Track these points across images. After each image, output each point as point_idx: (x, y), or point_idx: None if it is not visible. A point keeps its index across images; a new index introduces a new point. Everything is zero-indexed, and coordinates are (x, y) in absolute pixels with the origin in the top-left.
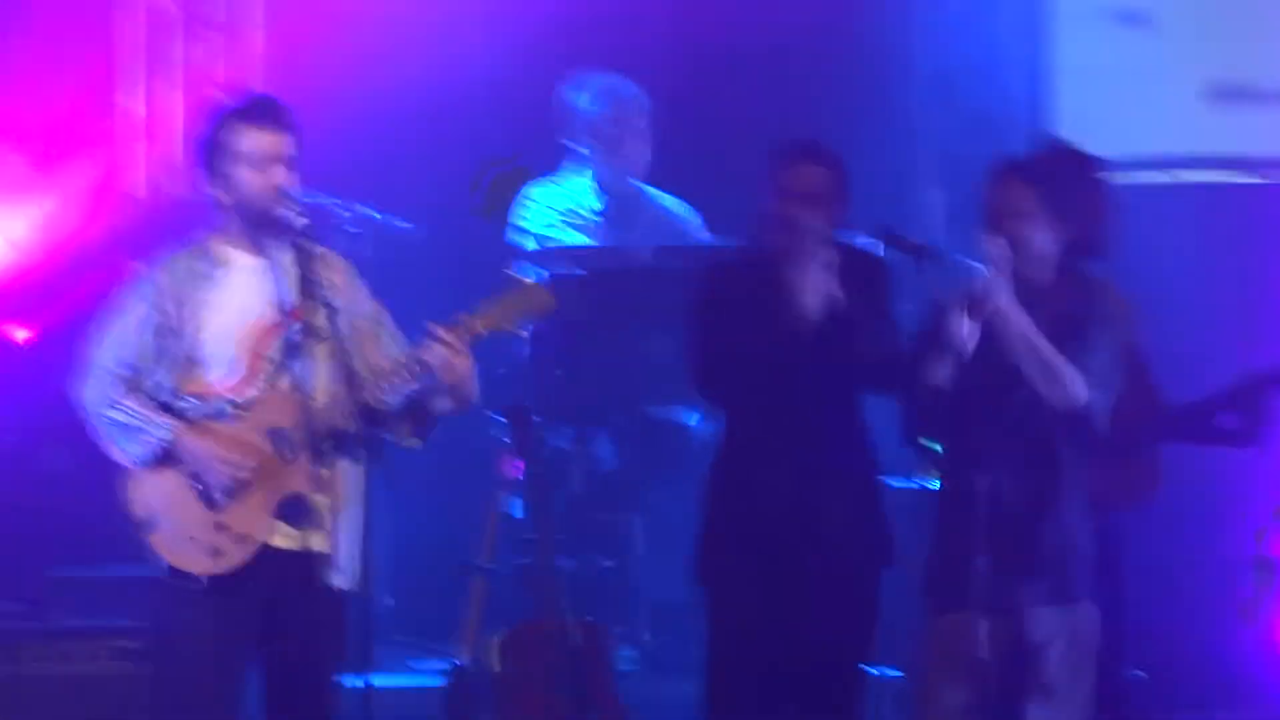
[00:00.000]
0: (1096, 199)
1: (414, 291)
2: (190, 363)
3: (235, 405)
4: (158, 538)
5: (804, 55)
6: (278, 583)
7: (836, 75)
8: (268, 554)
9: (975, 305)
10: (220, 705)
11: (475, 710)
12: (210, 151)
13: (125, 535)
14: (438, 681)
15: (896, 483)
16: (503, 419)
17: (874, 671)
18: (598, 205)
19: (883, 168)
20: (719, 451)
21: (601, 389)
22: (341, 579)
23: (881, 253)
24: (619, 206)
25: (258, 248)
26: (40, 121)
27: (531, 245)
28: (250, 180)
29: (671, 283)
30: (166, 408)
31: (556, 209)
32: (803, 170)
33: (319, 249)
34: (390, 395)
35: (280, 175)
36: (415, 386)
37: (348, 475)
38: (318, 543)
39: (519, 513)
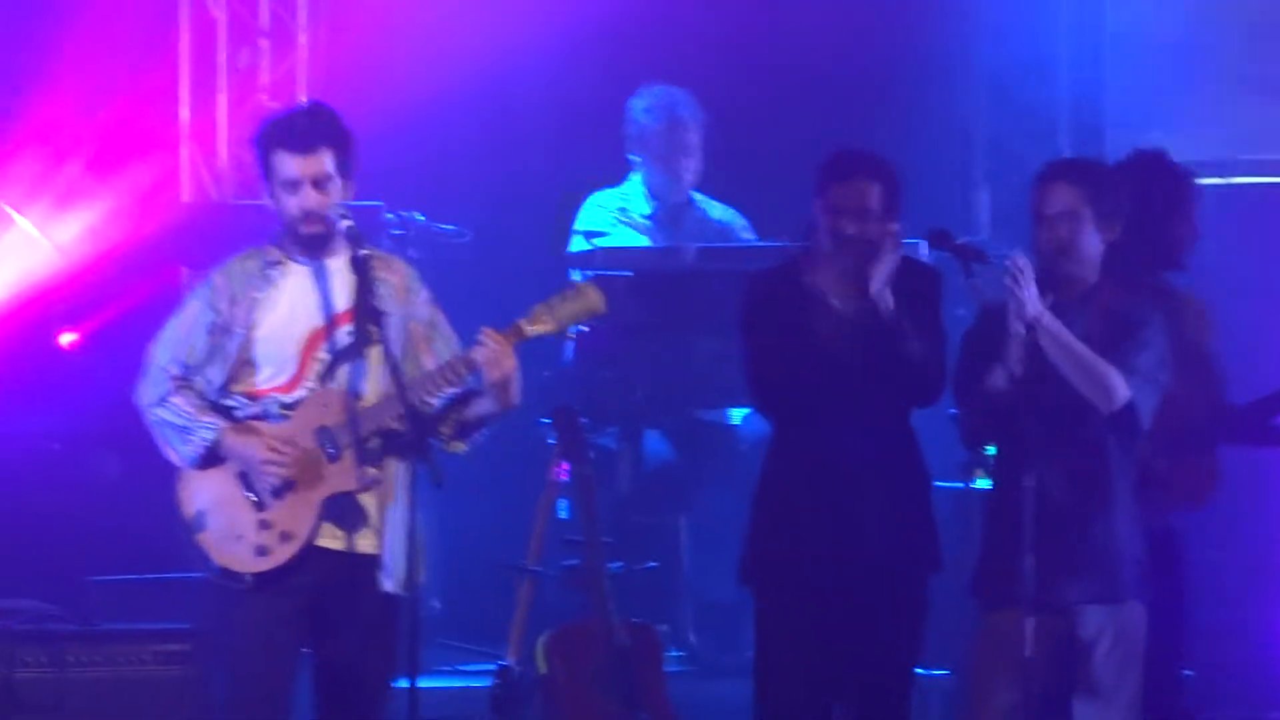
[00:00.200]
0: (1179, 212)
1: (462, 294)
2: (243, 363)
3: (284, 405)
4: (205, 536)
5: (859, 58)
6: (325, 582)
7: (890, 78)
8: (315, 553)
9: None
10: (270, 704)
11: (523, 712)
12: (261, 166)
13: (171, 540)
14: (485, 683)
15: (944, 484)
16: (549, 421)
17: (922, 671)
18: (647, 210)
19: (934, 169)
20: (769, 453)
21: (648, 390)
22: (390, 583)
23: (928, 253)
24: (667, 213)
25: (313, 253)
26: (86, 128)
27: (582, 244)
28: (283, 201)
29: (717, 284)
30: (217, 406)
31: (609, 209)
32: (855, 187)
33: (378, 252)
34: (434, 397)
35: (308, 198)
36: (459, 389)
37: (396, 476)
38: (365, 544)
39: (566, 514)
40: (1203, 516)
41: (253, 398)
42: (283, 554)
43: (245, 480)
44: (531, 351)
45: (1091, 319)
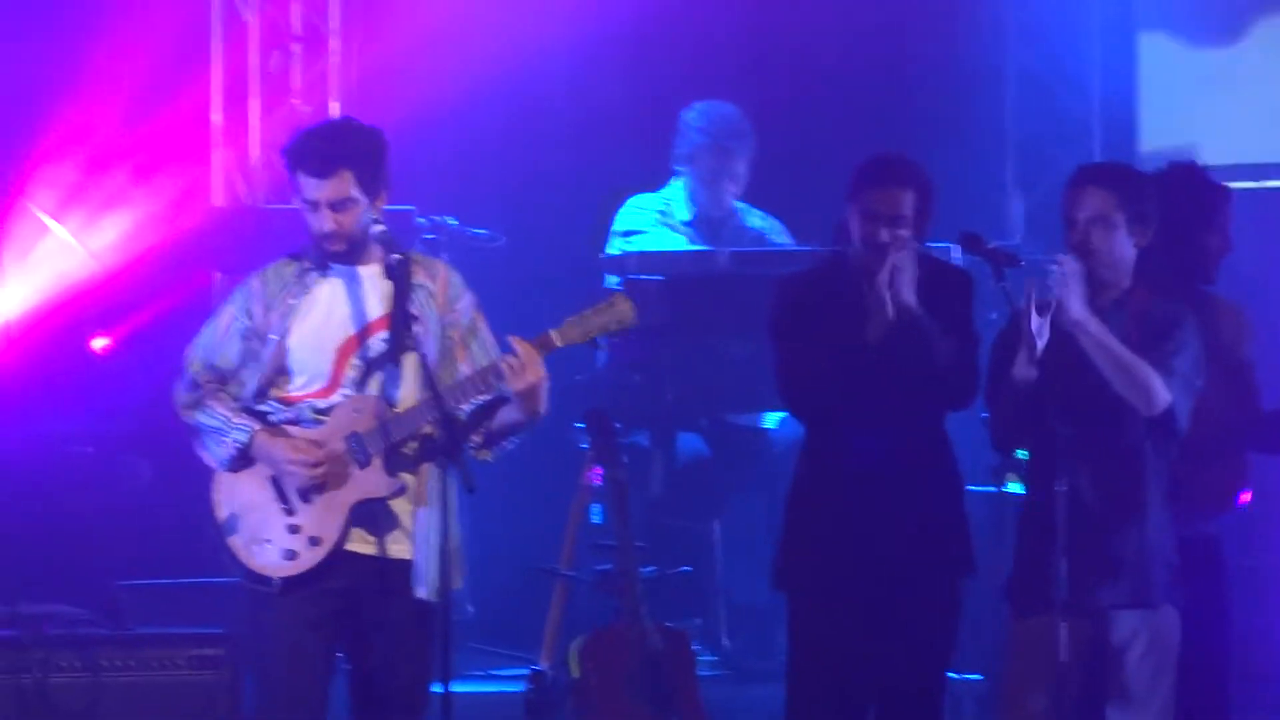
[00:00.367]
0: (1212, 224)
1: (495, 299)
2: (277, 368)
3: (317, 411)
4: (236, 540)
5: (893, 63)
6: (358, 587)
7: (923, 83)
8: (346, 558)
9: (1046, 310)
10: (302, 708)
11: (555, 716)
12: (290, 178)
13: (203, 544)
14: (518, 687)
15: (977, 488)
16: (582, 425)
17: (955, 676)
18: (687, 216)
19: (967, 173)
20: (801, 456)
21: (680, 394)
22: (423, 590)
23: (960, 257)
24: (706, 220)
25: (346, 262)
26: (119, 134)
27: (619, 245)
28: (307, 217)
29: (750, 288)
30: (251, 410)
31: (649, 211)
32: (889, 194)
33: (418, 256)
34: (465, 403)
35: (326, 222)
36: (488, 396)
37: (430, 482)
38: (398, 549)
39: (599, 519)
40: (1244, 523)
41: (288, 403)
42: (311, 558)
43: (276, 484)
44: (564, 356)
45: (1127, 323)
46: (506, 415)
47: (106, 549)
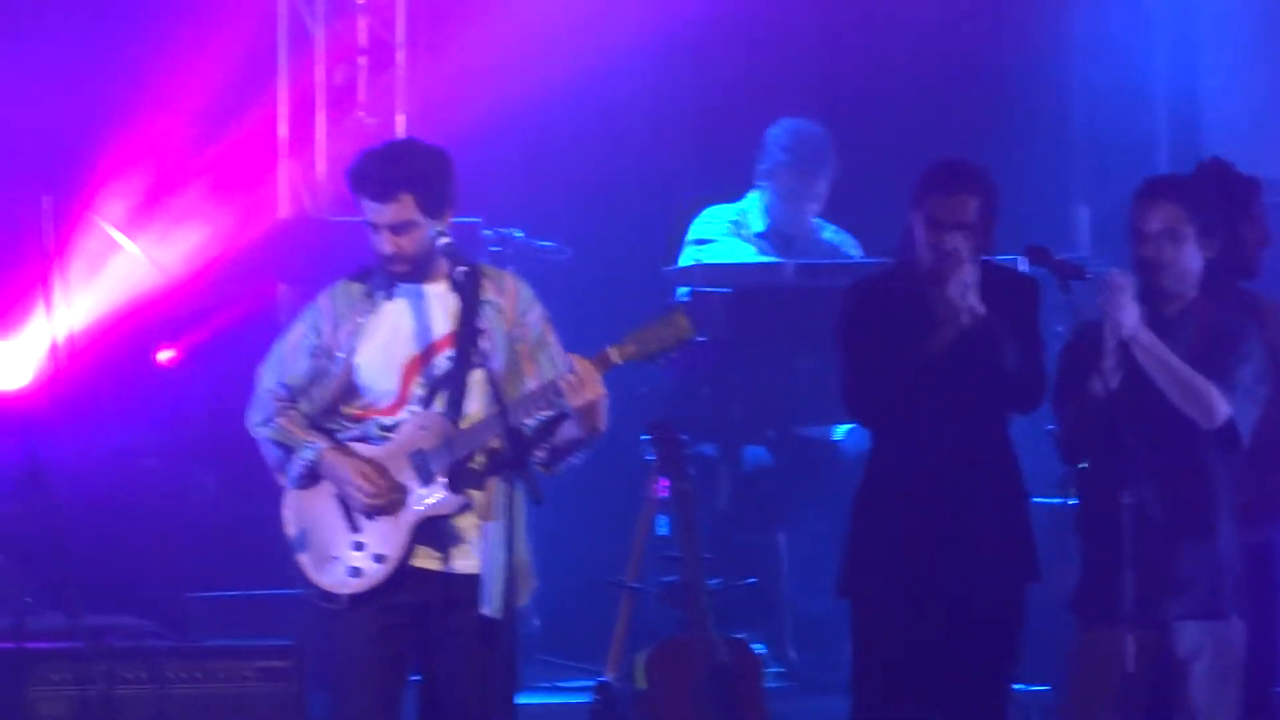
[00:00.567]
0: (1247, 218)
1: (561, 311)
2: (345, 386)
3: (384, 428)
4: (304, 557)
5: (960, 75)
6: (426, 603)
7: (990, 95)
8: (413, 574)
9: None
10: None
11: None
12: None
13: (270, 556)
14: (585, 699)
15: (1041, 500)
16: (648, 437)
17: (1021, 687)
18: (760, 228)
19: (1034, 185)
20: (867, 467)
21: (746, 407)
22: (489, 607)
23: (1026, 269)
24: (779, 234)
25: (412, 280)
26: (185, 147)
27: (692, 254)
28: (371, 238)
29: (817, 300)
30: (319, 427)
31: (723, 221)
32: (955, 200)
33: (488, 269)
34: (530, 418)
35: (386, 244)
36: (550, 413)
37: (497, 497)
38: (465, 564)
39: (666, 530)
40: None
41: (356, 419)
42: (375, 576)
43: (343, 501)
44: (631, 368)
45: (1192, 334)
46: (568, 431)
47: (173, 561)
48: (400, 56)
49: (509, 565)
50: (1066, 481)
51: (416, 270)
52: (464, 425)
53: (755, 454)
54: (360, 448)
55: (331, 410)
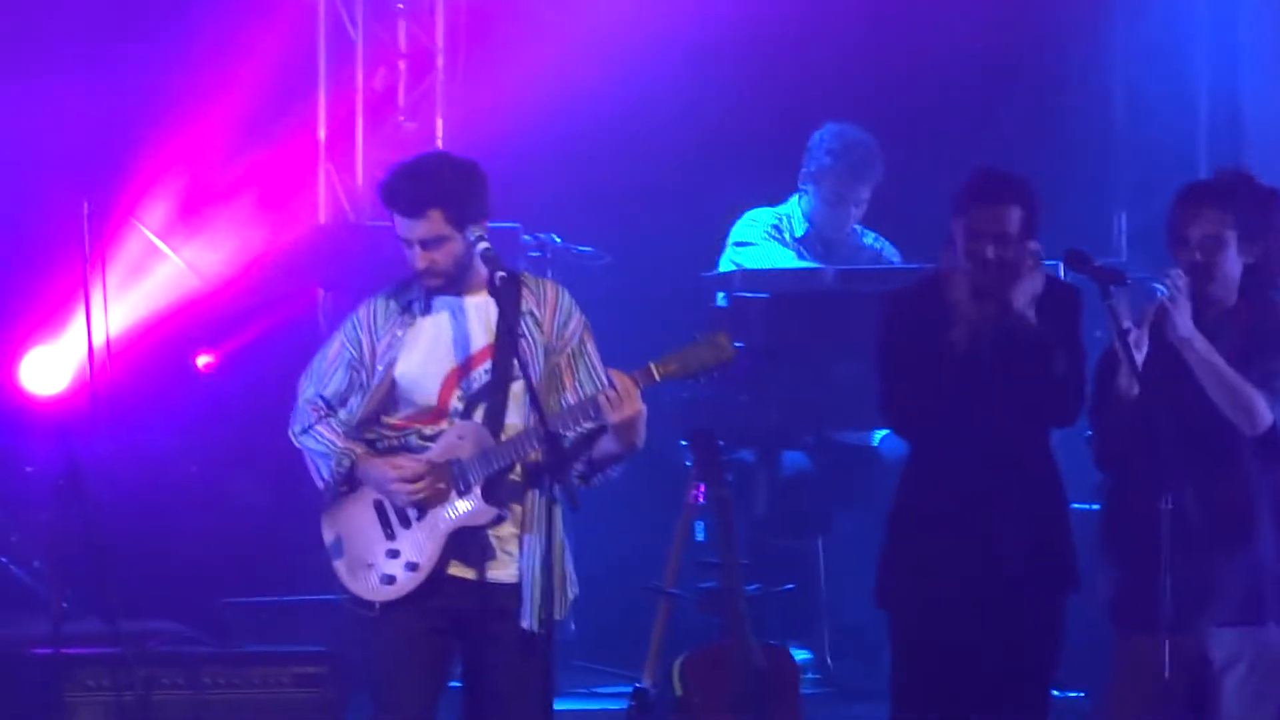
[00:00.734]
0: (1269, 227)
1: (600, 317)
2: (384, 399)
3: (423, 438)
4: (339, 564)
5: (999, 79)
6: (462, 610)
7: (1029, 100)
8: (449, 581)
9: (1145, 322)
10: None
11: None
12: None
13: (307, 562)
14: (621, 705)
15: (1080, 506)
16: (686, 443)
17: (1058, 693)
18: (799, 232)
19: (1073, 190)
20: (904, 473)
21: (785, 412)
22: (528, 620)
23: (1065, 275)
24: (819, 238)
25: (450, 292)
26: (225, 153)
27: (732, 255)
28: (405, 253)
29: (856, 306)
30: (357, 436)
31: (763, 225)
32: (996, 210)
33: (529, 278)
34: (569, 431)
35: (419, 259)
36: (588, 427)
37: (535, 508)
38: (501, 573)
39: (703, 536)
40: None
41: (396, 430)
42: (408, 584)
43: (380, 509)
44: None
45: (1233, 340)
46: (606, 445)
47: (211, 566)
48: (440, 61)
49: (547, 578)
50: (1104, 487)
51: (452, 283)
52: (503, 437)
53: (793, 460)
54: (398, 457)
55: (372, 421)
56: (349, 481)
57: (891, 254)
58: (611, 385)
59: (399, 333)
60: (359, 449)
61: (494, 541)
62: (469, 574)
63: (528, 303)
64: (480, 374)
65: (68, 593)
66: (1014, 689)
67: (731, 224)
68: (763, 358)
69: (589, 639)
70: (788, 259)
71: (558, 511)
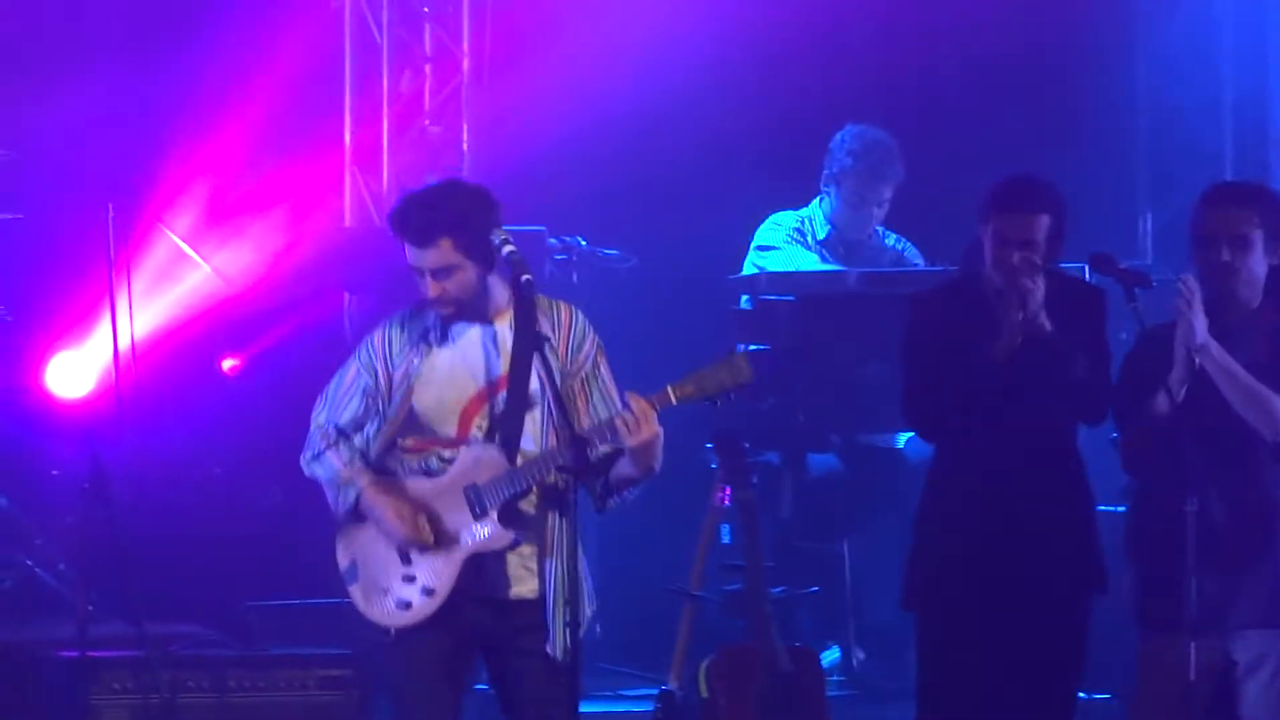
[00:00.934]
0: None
1: (626, 319)
2: (403, 426)
3: (442, 459)
4: (355, 589)
5: (1024, 84)
6: (485, 625)
7: (1054, 103)
8: (464, 605)
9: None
10: None
11: None
12: None
13: (331, 564)
14: (647, 707)
15: (1105, 508)
16: (712, 446)
17: (1084, 695)
18: (821, 235)
19: (1098, 193)
20: (930, 475)
21: (810, 415)
22: (553, 646)
23: (1090, 277)
24: (841, 240)
25: (470, 317)
26: (251, 156)
27: (756, 259)
28: (418, 284)
29: (880, 308)
30: (367, 464)
31: (786, 228)
32: (1024, 218)
33: (543, 302)
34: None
35: (430, 289)
36: (604, 450)
37: (554, 532)
38: (518, 590)
39: (728, 539)
40: None
41: (417, 452)
42: (425, 609)
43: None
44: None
45: (1259, 341)
46: (623, 468)
47: (236, 569)
48: (466, 65)
49: (572, 604)
50: (1131, 490)
51: (465, 311)
52: (521, 460)
53: (818, 462)
54: (419, 481)
55: (392, 446)
56: (358, 512)
57: (914, 255)
58: (627, 408)
59: (416, 362)
60: (366, 479)
61: (513, 559)
62: (488, 595)
63: (542, 327)
64: (499, 401)
65: (93, 596)
66: (1040, 691)
67: (756, 226)
68: (787, 360)
69: (614, 641)
70: (811, 262)
71: (580, 534)
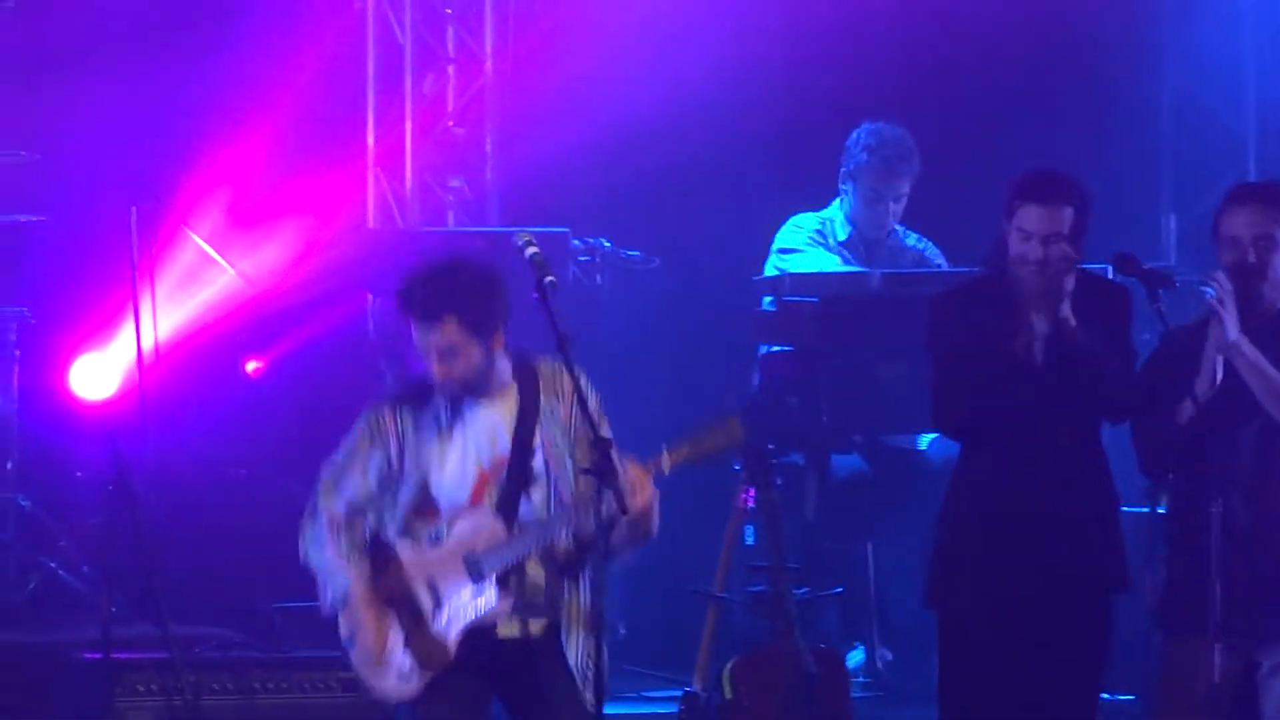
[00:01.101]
0: None
1: (649, 320)
2: (417, 505)
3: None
4: (355, 658)
5: (1049, 84)
6: (501, 667)
7: (1078, 103)
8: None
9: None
10: None
11: None
12: None
13: None
14: (671, 709)
15: (1129, 509)
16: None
17: (1107, 696)
18: (843, 236)
19: (1121, 193)
20: (955, 475)
21: (833, 416)
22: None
23: (1112, 276)
24: (862, 240)
25: (479, 393)
26: (274, 158)
27: (777, 262)
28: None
29: (903, 309)
30: (362, 550)
31: (807, 230)
32: (1049, 211)
33: (546, 370)
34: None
35: (435, 369)
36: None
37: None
38: (534, 630)
39: (752, 540)
40: None
41: (430, 519)
42: (422, 680)
43: (394, 606)
44: (718, 375)
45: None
46: (619, 533)
47: (260, 571)
48: (489, 66)
49: (598, 669)
50: (1154, 491)
51: (472, 389)
52: (518, 531)
53: (842, 463)
54: (422, 550)
55: (403, 523)
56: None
57: (934, 254)
58: (622, 476)
59: (427, 440)
60: (348, 578)
61: (501, 640)
62: (511, 630)
63: (545, 396)
64: (504, 478)
65: (117, 597)
66: (1064, 691)
67: (778, 227)
68: (811, 361)
69: (638, 643)
70: (832, 264)
71: (601, 605)
